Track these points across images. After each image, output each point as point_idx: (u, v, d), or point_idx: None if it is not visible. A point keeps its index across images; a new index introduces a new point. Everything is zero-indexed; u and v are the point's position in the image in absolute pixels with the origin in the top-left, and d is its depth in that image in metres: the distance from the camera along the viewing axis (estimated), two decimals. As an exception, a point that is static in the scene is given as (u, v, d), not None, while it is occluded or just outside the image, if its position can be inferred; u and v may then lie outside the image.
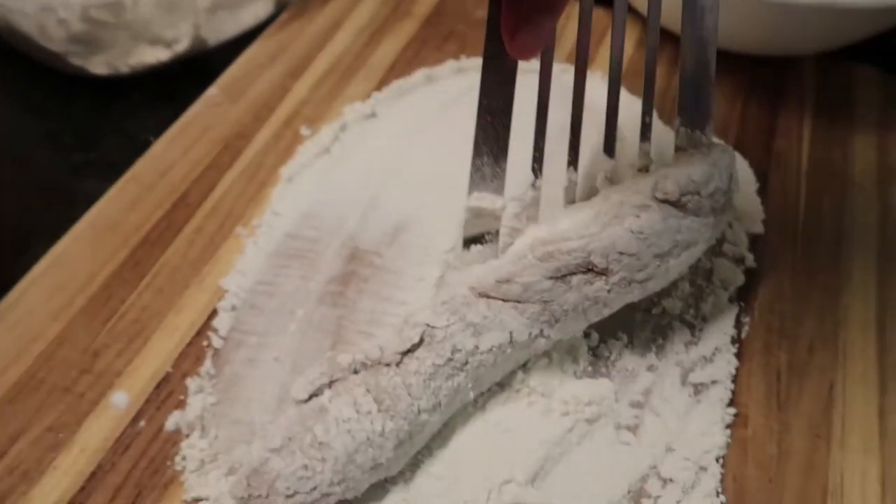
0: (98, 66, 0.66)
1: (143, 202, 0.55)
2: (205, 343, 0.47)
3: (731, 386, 0.46)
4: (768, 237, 0.55)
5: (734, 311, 0.50)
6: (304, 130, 0.60)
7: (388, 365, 0.42)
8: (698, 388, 0.46)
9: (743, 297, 0.51)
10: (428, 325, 0.43)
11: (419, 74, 0.65)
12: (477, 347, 0.43)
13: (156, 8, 0.65)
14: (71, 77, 0.67)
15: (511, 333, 0.43)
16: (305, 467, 0.39)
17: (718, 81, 0.66)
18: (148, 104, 0.67)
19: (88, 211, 0.54)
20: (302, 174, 0.57)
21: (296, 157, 0.58)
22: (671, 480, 0.42)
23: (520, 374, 0.46)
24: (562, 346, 0.47)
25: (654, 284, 0.45)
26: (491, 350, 0.43)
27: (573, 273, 0.44)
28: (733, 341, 0.49)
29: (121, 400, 0.45)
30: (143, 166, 0.57)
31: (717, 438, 0.44)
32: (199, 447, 0.43)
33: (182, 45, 0.67)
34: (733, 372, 0.47)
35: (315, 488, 0.39)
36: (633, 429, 0.44)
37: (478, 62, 0.64)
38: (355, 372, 0.42)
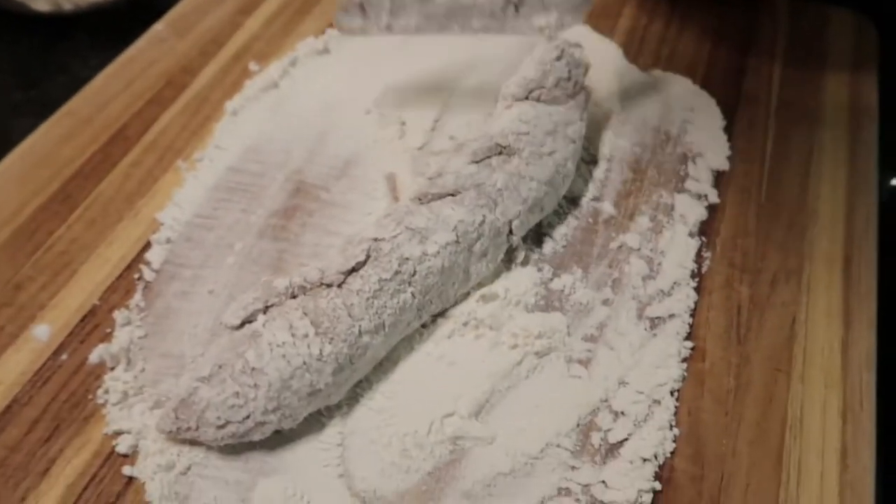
0: (40, 2, 0.63)
1: (79, 136, 0.52)
2: (136, 276, 0.45)
3: (689, 320, 0.44)
4: (734, 173, 0.52)
5: (695, 245, 0.48)
6: (252, 66, 0.57)
7: (329, 286, 0.40)
8: (655, 322, 0.44)
9: (705, 232, 0.49)
10: (374, 240, 0.41)
11: (376, 12, 0.62)
12: (425, 253, 0.41)
13: (98, -61, 0.62)
14: (13, 15, 0.64)
15: (456, 229, 0.42)
16: (237, 395, 0.37)
17: (687, 23, 0.64)
18: (92, 43, 0.64)
19: (19, 145, 0.51)
20: (248, 108, 0.54)
21: (242, 91, 0.55)
22: (623, 413, 0.40)
23: (468, 307, 0.44)
24: (513, 280, 0.45)
25: (561, 155, 0.47)
26: (438, 253, 0.41)
27: (489, 156, 0.46)
28: (693, 276, 0.46)
29: (42, 333, 0.42)
30: (81, 101, 0.54)
31: (673, 371, 0.42)
32: (124, 380, 0.40)
33: (129, -18, 0.64)
34: (692, 306, 0.45)
35: (248, 417, 0.37)
36: (585, 363, 0.42)
37: None
38: (293, 296, 0.40)
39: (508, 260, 0.46)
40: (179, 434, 0.38)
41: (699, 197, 0.51)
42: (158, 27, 0.60)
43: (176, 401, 0.38)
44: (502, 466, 0.38)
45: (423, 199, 0.44)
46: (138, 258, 0.46)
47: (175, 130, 0.53)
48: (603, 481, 0.38)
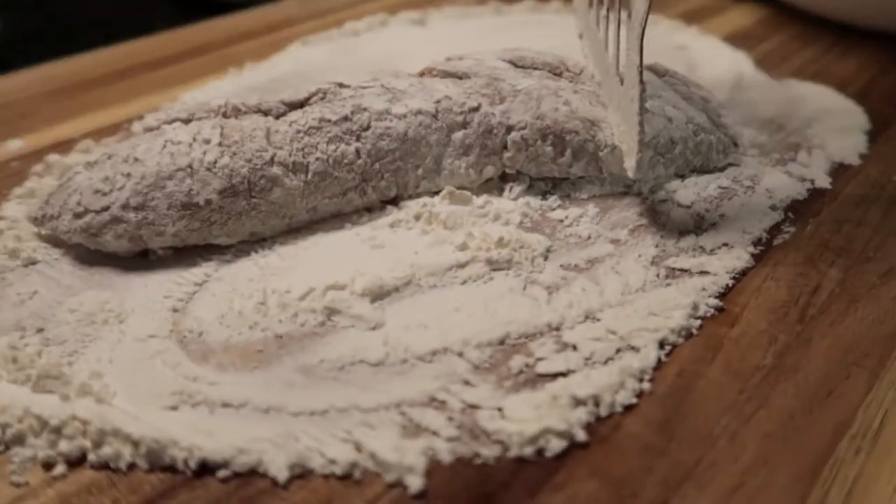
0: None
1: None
2: (126, 125, 0.43)
3: (729, 282, 0.30)
4: (865, 170, 0.38)
5: (774, 217, 0.34)
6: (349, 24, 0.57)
7: (265, 114, 0.34)
8: (674, 273, 0.30)
9: (796, 210, 0.35)
10: (339, 84, 0.35)
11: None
12: (388, 111, 0.33)
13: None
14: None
15: (439, 103, 0.34)
16: (106, 180, 0.31)
17: (852, 52, 0.52)
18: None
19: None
20: (319, 43, 0.53)
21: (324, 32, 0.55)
22: (574, 348, 0.27)
23: (427, 200, 0.34)
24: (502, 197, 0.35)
25: (629, 119, 0.33)
26: (405, 117, 0.33)
27: (538, 68, 0.37)
28: (756, 243, 0.32)
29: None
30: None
31: (673, 322, 0.28)
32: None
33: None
34: (739, 268, 0.31)
35: (107, 208, 0.31)
36: (551, 288, 0.30)
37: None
38: (225, 116, 0.34)
39: (500, 187, 0.36)
40: (44, 223, 0.32)
41: (802, 179, 0.37)
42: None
43: (55, 186, 0.33)
44: (371, 355, 0.27)
45: (424, 73, 0.37)
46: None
47: (254, 45, 0.54)
48: (500, 408, 0.24)
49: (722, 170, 0.37)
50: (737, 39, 0.54)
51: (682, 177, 0.37)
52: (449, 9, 0.59)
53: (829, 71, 0.49)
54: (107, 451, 0.23)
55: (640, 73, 0.30)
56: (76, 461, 0.23)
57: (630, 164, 0.31)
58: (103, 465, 0.23)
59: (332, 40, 0.54)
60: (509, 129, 0.35)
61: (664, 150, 0.36)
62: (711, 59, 0.50)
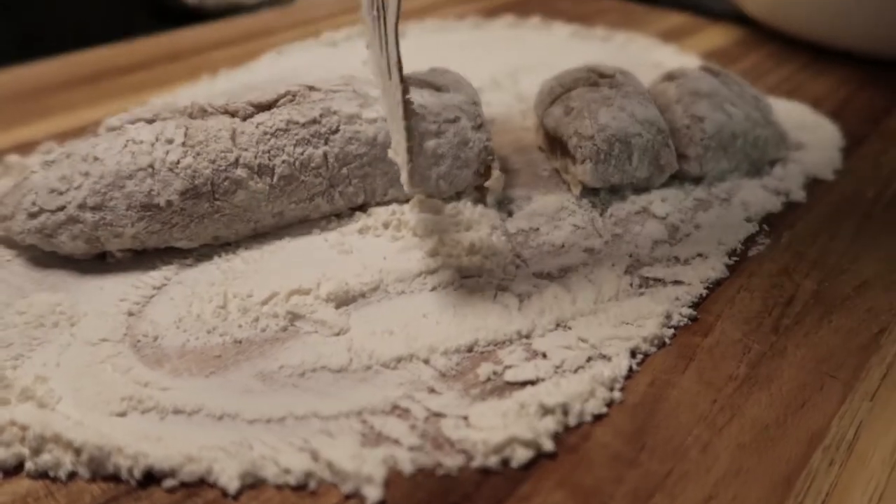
0: (190, -8, 0.70)
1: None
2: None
3: (703, 292, 0.29)
4: (839, 185, 0.38)
5: (748, 229, 0.34)
6: (327, 34, 0.57)
7: (232, 115, 0.33)
8: (648, 283, 0.30)
9: (770, 223, 0.34)
10: (309, 87, 0.34)
11: (469, 22, 0.60)
12: (358, 116, 0.33)
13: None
14: (164, 6, 0.72)
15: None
16: (63, 178, 0.30)
17: (828, 70, 0.53)
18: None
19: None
20: (295, 52, 0.53)
21: (302, 42, 0.54)
22: (543, 356, 0.26)
23: (396, 208, 0.33)
24: (471, 207, 0.34)
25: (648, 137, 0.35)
26: (375, 122, 0.33)
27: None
28: (731, 254, 0.32)
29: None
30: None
31: (645, 330, 0.27)
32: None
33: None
34: (713, 278, 0.30)
35: (63, 209, 0.30)
36: (524, 296, 0.29)
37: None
38: (191, 117, 0.33)
39: (478, 198, 0.35)
40: (-3, 224, 0.31)
41: (777, 193, 0.37)
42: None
43: (11, 186, 0.32)
44: (333, 361, 0.26)
45: (406, 80, 0.36)
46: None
47: (228, 53, 0.53)
48: (465, 416, 0.23)
49: (697, 182, 0.37)
50: (713, 58, 0.54)
51: (701, 180, 0.37)
52: (429, 22, 0.59)
53: (804, 89, 0.49)
54: (46, 458, 0.21)
55: (400, 70, 0.27)
56: (13, 470, 0.22)
57: (404, 177, 0.28)
58: (42, 474, 0.21)
59: (309, 50, 0.53)
60: (486, 141, 0.34)
61: (727, 145, 0.37)
62: (688, 75, 0.51)
